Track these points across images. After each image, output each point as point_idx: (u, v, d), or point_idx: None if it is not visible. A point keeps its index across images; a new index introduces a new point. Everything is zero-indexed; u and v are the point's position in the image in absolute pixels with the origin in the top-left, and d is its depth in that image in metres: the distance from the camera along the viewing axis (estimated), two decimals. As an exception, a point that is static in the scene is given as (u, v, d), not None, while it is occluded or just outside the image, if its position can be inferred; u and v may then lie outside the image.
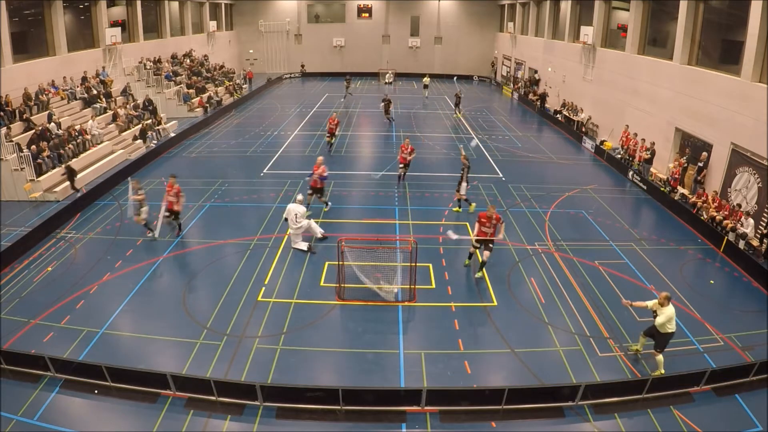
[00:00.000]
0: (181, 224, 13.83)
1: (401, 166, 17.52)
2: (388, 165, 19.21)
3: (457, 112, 30.41)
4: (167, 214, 13.35)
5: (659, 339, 8.68)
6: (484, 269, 11.71)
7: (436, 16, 46.24)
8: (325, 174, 14.57)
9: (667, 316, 8.45)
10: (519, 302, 10.96)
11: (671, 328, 8.55)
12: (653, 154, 18.93)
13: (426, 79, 36.71)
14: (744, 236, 13.27)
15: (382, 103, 27.60)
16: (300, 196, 13.24)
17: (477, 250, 11.88)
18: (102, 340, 9.47)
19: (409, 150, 17.24)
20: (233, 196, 16.67)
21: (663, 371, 8.72)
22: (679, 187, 17.39)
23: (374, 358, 9.19)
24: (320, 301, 10.78)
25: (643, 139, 19.62)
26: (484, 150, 22.72)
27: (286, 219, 13.04)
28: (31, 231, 13.13)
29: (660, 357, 8.73)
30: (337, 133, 21.75)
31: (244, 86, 36.68)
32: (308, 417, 7.85)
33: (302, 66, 46.88)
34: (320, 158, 14.93)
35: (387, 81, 43.45)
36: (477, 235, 11.45)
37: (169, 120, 25.60)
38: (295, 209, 12.80)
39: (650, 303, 8.75)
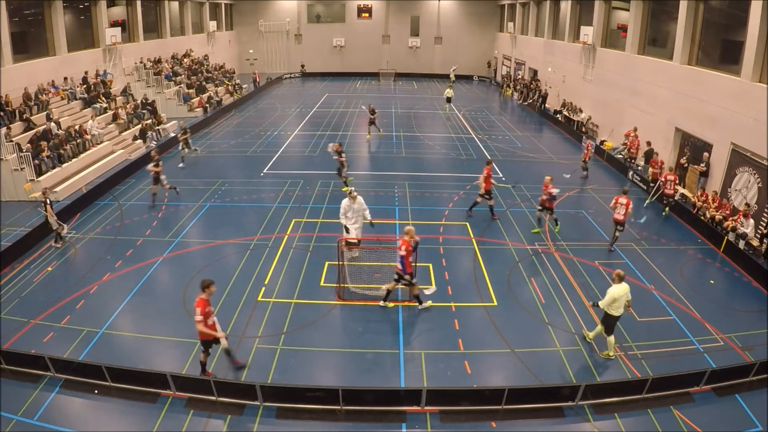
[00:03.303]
0: None
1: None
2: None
3: (370, 132, 24.36)
4: None
5: (606, 322, 8.94)
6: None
7: (436, 16, 46.24)
8: (554, 192, 13.57)
9: (610, 294, 8.69)
10: (519, 302, 10.96)
11: (614, 311, 8.74)
12: (650, 153, 18.92)
13: (449, 92, 32.22)
14: (744, 236, 13.27)
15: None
16: (353, 191, 11.99)
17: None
18: (102, 340, 9.46)
19: None
20: (233, 196, 16.67)
21: (611, 354, 9.04)
22: (679, 187, 17.35)
23: (374, 358, 9.19)
24: (320, 301, 10.77)
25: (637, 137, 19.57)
26: (484, 150, 22.71)
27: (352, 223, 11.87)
28: (31, 231, 13.14)
29: (611, 338, 9.01)
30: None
31: (244, 86, 36.62)
32: (308, 417, 7.85)
33: (302, 66, 46.88)
34: (548, 177, 13.64)
35: (452, 81, 40.14)
36: None
37: (169, 120, 25.60)
38: (353, 205, 11.70)
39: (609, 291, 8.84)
